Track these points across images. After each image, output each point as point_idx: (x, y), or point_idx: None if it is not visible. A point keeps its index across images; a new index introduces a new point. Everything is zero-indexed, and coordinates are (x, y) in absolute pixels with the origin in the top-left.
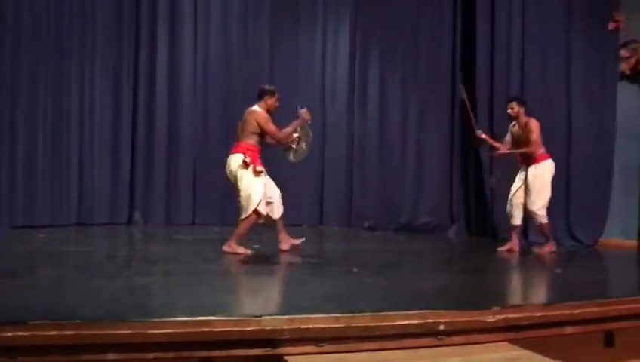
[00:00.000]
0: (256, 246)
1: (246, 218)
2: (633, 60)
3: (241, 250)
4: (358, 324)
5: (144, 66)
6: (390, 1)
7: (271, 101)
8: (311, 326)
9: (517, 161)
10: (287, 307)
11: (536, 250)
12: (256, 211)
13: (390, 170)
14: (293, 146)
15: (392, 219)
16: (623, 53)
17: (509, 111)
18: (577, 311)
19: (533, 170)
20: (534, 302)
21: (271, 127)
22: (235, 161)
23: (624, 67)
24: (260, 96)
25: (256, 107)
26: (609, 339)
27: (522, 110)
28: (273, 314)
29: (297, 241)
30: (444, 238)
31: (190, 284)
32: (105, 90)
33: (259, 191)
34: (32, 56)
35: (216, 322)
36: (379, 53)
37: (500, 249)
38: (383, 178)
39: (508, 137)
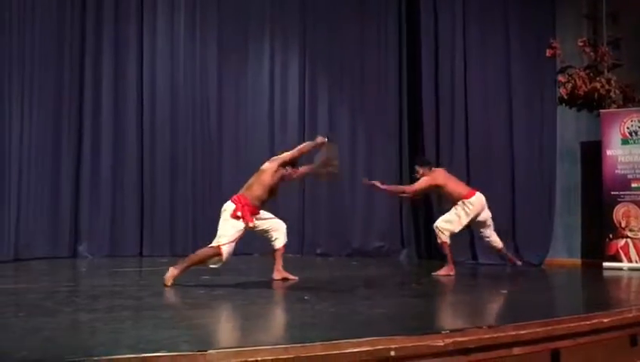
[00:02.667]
0: (205, 277)
1: (209, 247)
2: (570, 85)
3: (175, 271)
4: (308, 354)
5: (88, 94)
6: (337, 33)
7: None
8: (259, 358)
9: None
10: (234, 339)
11: (434, 273)
12: (219, 249)
13: (341, 196)
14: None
15: (344, 244)
16: (560, 78)
17: (416, 175)
18: (523, 331)
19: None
20: (482, 324)
21: (284, 154)
22: (229, 207)
23: (562, 92)
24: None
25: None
26: (555, 359)
27: (426, 169)
28: (219, 348)
29: (292, 277)
30: (395, 263)
31: (135, 319)
32: (45, 118)
33: (231, 237)
34: None
35: (161, 358)
36: (327, 83)
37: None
38: (333, 204)
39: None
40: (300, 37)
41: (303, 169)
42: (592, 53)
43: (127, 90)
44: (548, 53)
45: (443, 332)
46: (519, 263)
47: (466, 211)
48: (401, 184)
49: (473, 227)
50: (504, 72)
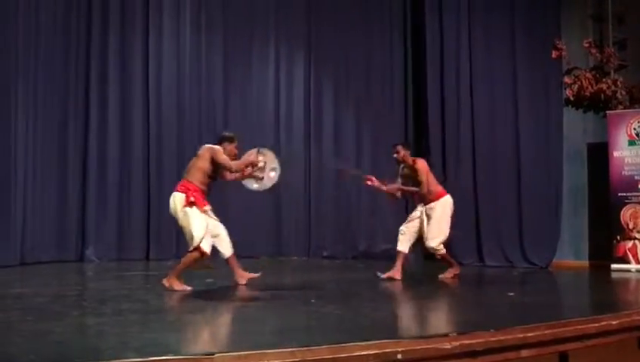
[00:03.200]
0: (210, 280)
1: (190, 253)
2: (576, 87)
3: (178, 286)
4: (315, 357)
5: (94, 98)
6: (342, 38)
7: (230, 147)
8: (265, 361)
9: (413, 200)
10: (242, 343)
11: (441, 275)
12: (199, 249)
13: (347, 198)
14: (259, 175)
15: (351, 247)
16: (566, 79)
17: (394, 155)
18: (531, 333)
19: (432, 206)
20: (489, 327)
21: (224, 157)
22: (178, 199)
23: (568, 93)
24: (219, 142)
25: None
26: (563, 361)
27: (407, 153)
28: (226, 352)
29: (255, 275)
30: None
31: (142, 323)
32: (52, 123)
33: (201, 227)
34: None
35: (168, 361)
36: (333, 87)
37: (382, 275)
38: (340, 207)
39: (399, 181)
40: (305, 39)
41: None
42: (598, 54)
43: (133, 95)
44: (553, 54)
45: (450, 334)
46: (398, 278)
47: (447, 212)
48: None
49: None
50: (510, 73)
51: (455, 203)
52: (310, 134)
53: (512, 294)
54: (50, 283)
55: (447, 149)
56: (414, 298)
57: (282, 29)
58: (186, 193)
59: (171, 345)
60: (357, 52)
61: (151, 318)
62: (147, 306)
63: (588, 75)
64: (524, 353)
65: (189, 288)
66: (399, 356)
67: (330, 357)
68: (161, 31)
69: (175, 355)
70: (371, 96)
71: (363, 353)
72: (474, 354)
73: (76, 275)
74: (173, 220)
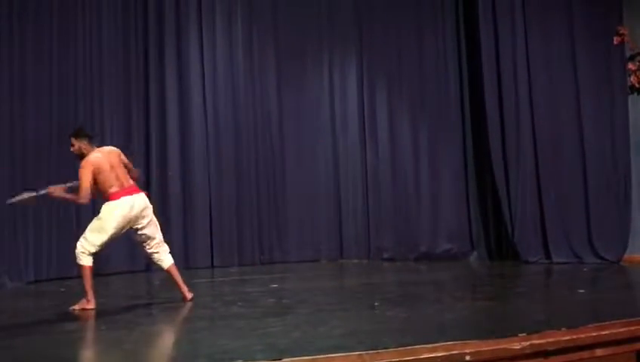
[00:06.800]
0: (274, 285)
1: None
2: None
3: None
4: (382, 360)
5: (154, 112)
6: (394, 33)
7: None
8: None
9: None
10: (309, 347)
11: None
12: None
13: (406, 198)
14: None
15: (412, 248)
16: (631, 66)
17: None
18: (605, 332)
19: None
20: (560, 326)
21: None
22: (145, 199)
23: (633, 80)
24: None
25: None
26: None
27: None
28: (294, 356)
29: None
30: (465, 265)
31: (210, 330)
32: (115, 137)
33: None
34: (37, 110)
35: None
36: (386, 83)
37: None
38: (399, 207)
39: None
40: (357, 44)
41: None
42: None
43: (191, 109)
44: (615, 40)
45: (520, 335)
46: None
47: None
48: (467, 184)
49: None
50: (570, 62)
51: (518, 199)
52: (365, 138)
53: (582, 291)
54: (120, 293)
55: (507, 146)
56: (480, 298)
57: (333, 33)
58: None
59: (240, 351)
60: (409, 52)
61: (218, 325)
62: (214, 313)
63: None
64: (599, 352)
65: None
66: (467, 357)
67: (398, 359)
68: (215, 44)
69: (244, 361)
70: (426, 97)
71: (431, 355)
72: (545, 354)
73: (144, 285)
74: (234, 228)
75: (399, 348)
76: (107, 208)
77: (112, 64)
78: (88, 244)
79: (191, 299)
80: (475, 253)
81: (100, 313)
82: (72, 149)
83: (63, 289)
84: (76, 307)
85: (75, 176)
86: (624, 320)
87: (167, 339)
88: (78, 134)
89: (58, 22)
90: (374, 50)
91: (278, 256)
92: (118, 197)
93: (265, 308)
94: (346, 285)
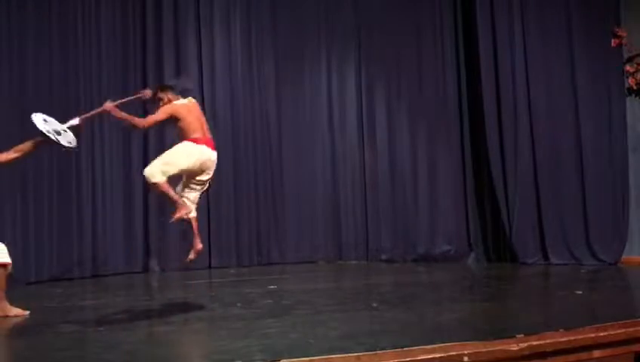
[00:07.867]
0: (272, 286)
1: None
2: (639, 75)
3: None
4: None
5: (153, 112)
6: (392, 34)
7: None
8: None
9: None
10: (306, 349)
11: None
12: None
13: (404, 200)
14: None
15: (410, 249)
16: (628, 68)
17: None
18: (603, 333)
19: None
20: (558, 327)
21: None
22: (215, 159)
23: (630, 82)
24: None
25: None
26: None
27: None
28: (292, 357)
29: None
30: (464, 266)
31: (209, 331)
32: (115, 136)
33: None
34: (36, 110)
35: None
36: (384, 84)
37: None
38: (397, 209)
39: None
40: (355, 45)
41: None
42: None
43: None
44: (613, 42)
45: (518, 336)
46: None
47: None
48: (465, 186)
49: None
50: (567, 64)
51: (516, 200)
52: (364, 139)
53: (580, 292)
54: (120, 294)
55: (505, 147)
56: (478, 300)
57: (332, 33)
58: None
59: (239, 352)
60: (408, 53)
61: (217, 326)
62: (212, 314)
63: None
64: (597, 353)
65: None
66: (465, 358)
67: (396, 361)
68: (213, 42)
69: None
70: (424, 96)
71: (429, 356)
72: (543, 355)
73: (143, 286)
74: (231, 229)
75: (397, 349)
76: (186, 144)
77: (110, 65)
78: (157, 170)
79: (198, 252)
80: (473, 255)
81: (99, 314)
82: (161, 103)
83: (60, 291)
84: (175, 216)
85: None
86: (622, 322)
87: (165, 340)
88: (163, 88)
89: (58, 22)
90: (373, 51)
91: (276, 257)
92: (199, 144)
93: (263, 309)
94: (344, 286)
